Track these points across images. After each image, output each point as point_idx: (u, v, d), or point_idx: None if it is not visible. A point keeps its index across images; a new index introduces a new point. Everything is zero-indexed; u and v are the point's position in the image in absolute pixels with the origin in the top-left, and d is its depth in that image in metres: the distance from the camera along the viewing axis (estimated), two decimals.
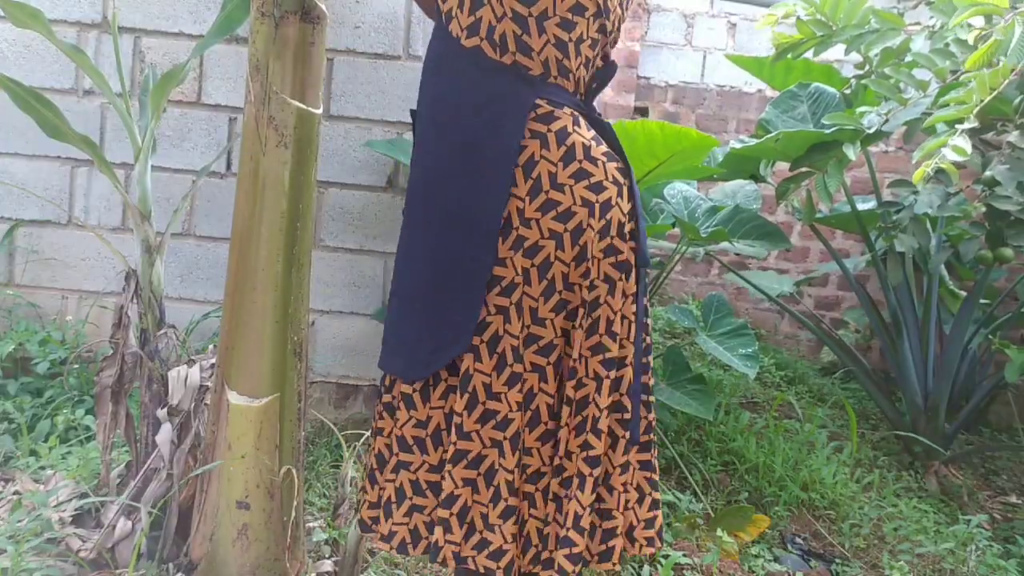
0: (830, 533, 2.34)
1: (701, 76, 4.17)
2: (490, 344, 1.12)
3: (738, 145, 2.50)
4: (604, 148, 1.18)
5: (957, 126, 1.71)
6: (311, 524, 1.85)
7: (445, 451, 1.15)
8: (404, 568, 1.84)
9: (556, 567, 1.13)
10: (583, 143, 1.14)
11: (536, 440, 1.17)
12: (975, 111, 1.71)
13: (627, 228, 1.18)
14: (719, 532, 2.07)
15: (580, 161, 1.13)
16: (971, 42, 1.88)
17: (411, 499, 1.18)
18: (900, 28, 2.13)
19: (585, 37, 1.14)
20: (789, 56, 2.37)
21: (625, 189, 1.19)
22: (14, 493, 1.80)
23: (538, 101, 1.12)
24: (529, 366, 1.14)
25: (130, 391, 1.70)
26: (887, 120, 2.20)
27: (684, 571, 1.94)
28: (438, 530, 1.13)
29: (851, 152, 2.25)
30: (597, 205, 1.14)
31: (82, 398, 2.21)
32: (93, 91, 2.36)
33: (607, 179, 1.15)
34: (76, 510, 1.69)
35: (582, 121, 1.17)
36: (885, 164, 4.09)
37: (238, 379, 1.47)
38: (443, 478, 1.14)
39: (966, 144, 1.64)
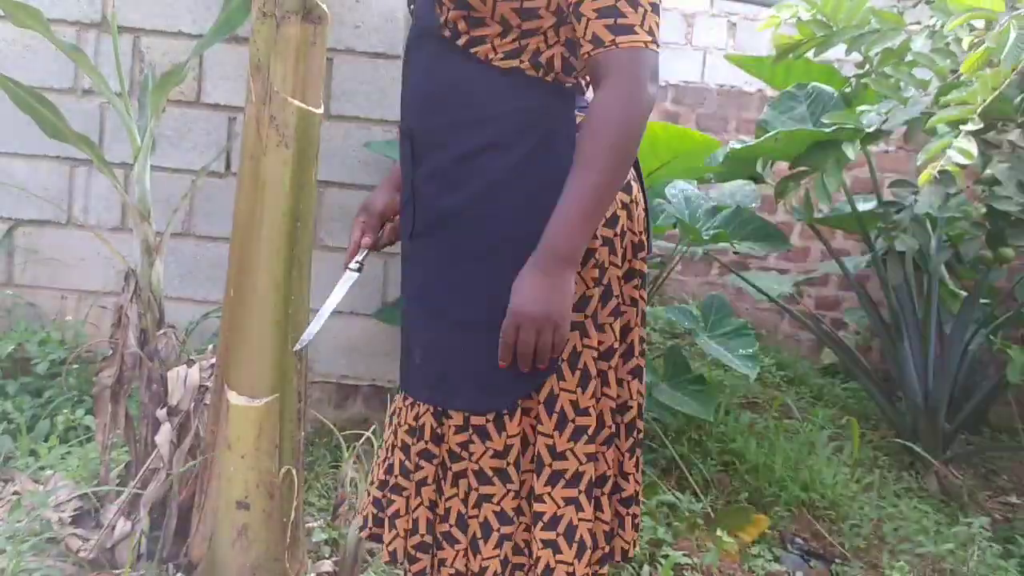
0: (830, 533, 2.33)
1: (701, 76, 4.16)
2: (571, 361, 1.10)
3: (738, 145, 2.50)
4: None
5: (960, 127, 1.70)
6: (311, 524, 1.85)
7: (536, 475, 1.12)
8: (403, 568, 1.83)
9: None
10: None
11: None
12: (978, 111, 1.71)
13: (646, 223, 1.19)
14: (719, 532, 2.06)
15: None
16: (965, 47, 1.88)
17: (498, 530, 1.13)
18: (900, 28, 2.13)
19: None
20: (790, 57, 2.37)
21: (641, 184, 1.19)
22: (14, 493, 1.80)
23: (574, 114, 1.12)
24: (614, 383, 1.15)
25: (130, 391, 1.70)
26: (886, 119, 2.20)
27: (684, 571, 1.94)
28: (546, 552, 1.11)
29: (850, 151, 2.25)
30: (630, 204, 1.15)
31: (82, 398, 2.21)
32: (92, 91, 2.36)
33: (632, 177, 1.15)
34: (76, 510, 1.69)
35: None
36: (885, 164, 4.09)
37: (238, 379, 1.47)
38: (543, 500, 1.12)
39: (971, 147, 1.64)
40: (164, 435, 1.61)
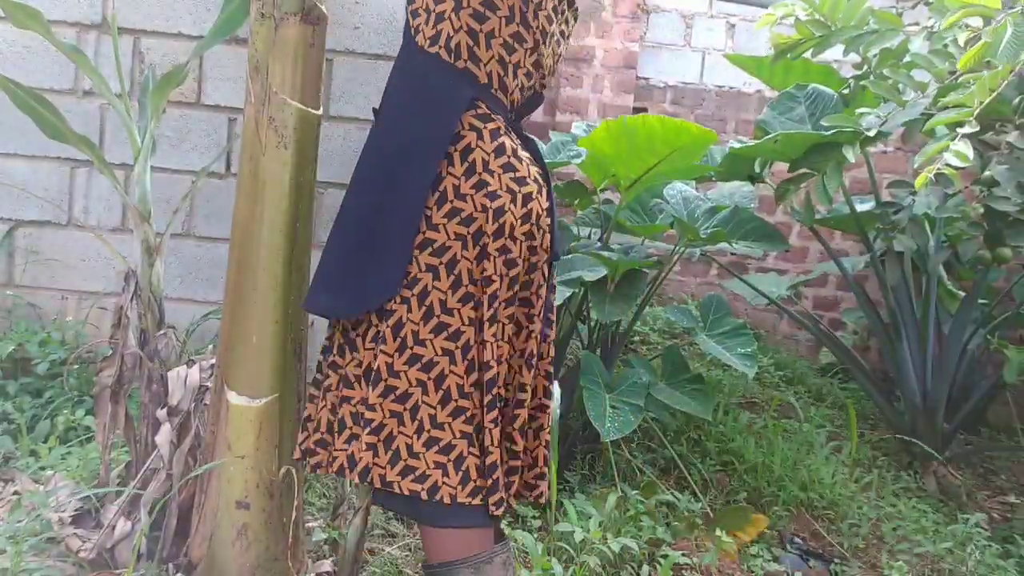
0: (829, 533, 2.34)
1: (700, 76, 4.17)
2: (419, 297, 1.27)
3: (737, 145, 2.51)
4: (528, 154, 1.36)
5: (958, 129, 1.71)
6: (311, 524, 1.85)
7: (374, 387, 1.27)
8: (406, 563, 1.84)
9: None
10: (511, 145, 1.32)
11: (471, 386, 1.29)
12: (975, 114, 1.71)
13: (544, 222, 1.34)
14: (718, 532, 2.07)
15: (508, 157, 1.30)
16: (962, 43, 1.89)
17: (350, 428, 1.31)
18: (899, 29, 2.13)
19: (522, 65, 1.34)
20: (788, 56, 2.38)
21: (544, 189, 1.36)
22: (14, 493, 1.80)
23: (479, 101, 1.30)
24: (466, 320, 1.28)
25: (130, 391, 1.70)
26: (885, 121, 2.20)
27: (683, 571, 1.94)
28: (367, 454, 1.27)
29: (850, 154, 2.25)
30: (520, 195, 1.30)
31: (82, 398, 2.21)
32: (93, 92, 2.36)
33: (529, 176, 1.32)
34: (76, 510, 1.69)
35: (511, 131, 1.35)
36: (884, 165, 4.10)
37: (238, 379, 1.47)
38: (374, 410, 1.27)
39: (968, 149, 1.65)
40: (164, 435, 1.62)
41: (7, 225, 2.39)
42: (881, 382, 3.28)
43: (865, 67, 2.29)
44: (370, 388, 1.27)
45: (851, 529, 2.33)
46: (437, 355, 1.27)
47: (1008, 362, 2.61)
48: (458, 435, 1.27)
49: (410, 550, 1.94)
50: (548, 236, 1.36)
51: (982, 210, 2.50)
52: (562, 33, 1.43)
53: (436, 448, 1.27)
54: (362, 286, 1.30)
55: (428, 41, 1.31)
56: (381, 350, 1.27)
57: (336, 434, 1.33)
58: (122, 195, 1.71)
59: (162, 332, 1.71)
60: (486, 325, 1.27)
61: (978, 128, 1.71)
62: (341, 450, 1.31)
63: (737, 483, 2.49)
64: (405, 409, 1.27)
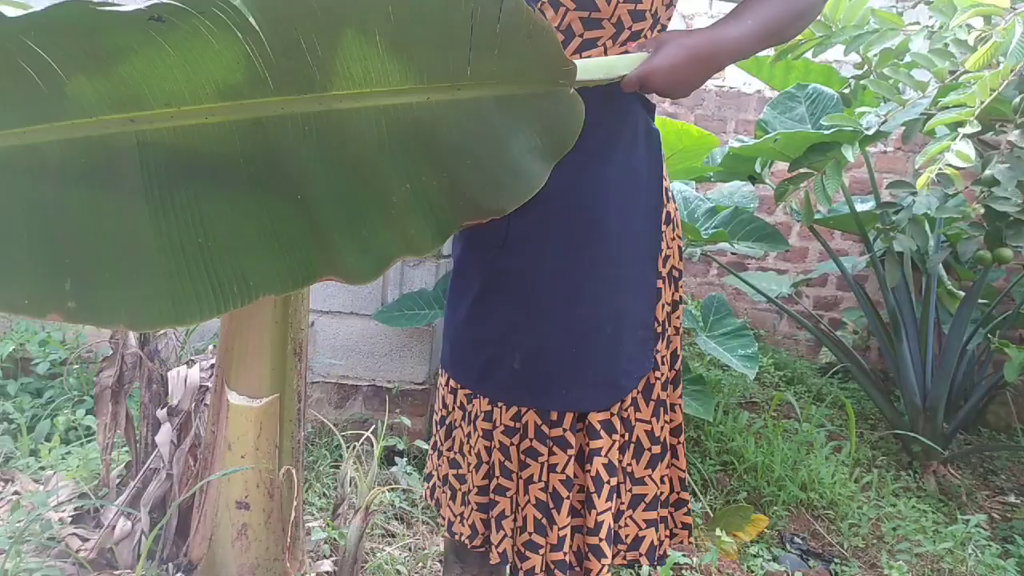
0: (829, 533, 2.34)
1: None
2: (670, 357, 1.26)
3: (737, 145, 2.51)
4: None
5: (959, 129, 1.71)
6: (311, 524, 1.85)
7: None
8: (405, 563, 1.84)
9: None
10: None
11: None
12: (976, 114, 1.71)
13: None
14: (718, 532, 2.07)
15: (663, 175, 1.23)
16: (971, 43, 1.89)
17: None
18: (899, 28, 2.13)
19: None
20: (788, 56, 2.38)
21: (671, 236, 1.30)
22: (14, 493, 1.80)
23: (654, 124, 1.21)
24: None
25: (130, 391, 1.70)
26: (885, 121, 2.20)
27: (683, 571, 1.94)
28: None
29: (850, 153, 2.25)
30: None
31: (82, 398, 2.21)
32: None
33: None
34: (76, 510, 1.69)
35: None
36: (884, 164, 4.10)
37: (238, 379, 1.47)
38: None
39: (969, 149, 1.65)
40: (164, 435, 1.62)
41: None
42: (881, 382, 3.28)
43: (865, 67, 2.29)
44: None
45: (851, 529, 2.33)
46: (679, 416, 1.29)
47: (1009, 361, 2.61)
48: None
49: (409, 550, 1.94)
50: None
51: (982, 210, 2.50)
52: None
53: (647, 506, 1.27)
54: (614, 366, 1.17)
55: None
56: (637, 418, 1.22)
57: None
58: None
59: (162, 332, 1.71)
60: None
61: (979, 128, 1.71)
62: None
63: (737, 483, 2.49)
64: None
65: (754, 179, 2.72)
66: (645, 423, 1.21)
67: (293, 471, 1.51)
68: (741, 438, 2.65)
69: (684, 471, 1.32)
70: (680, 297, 1.27)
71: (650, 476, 1.23)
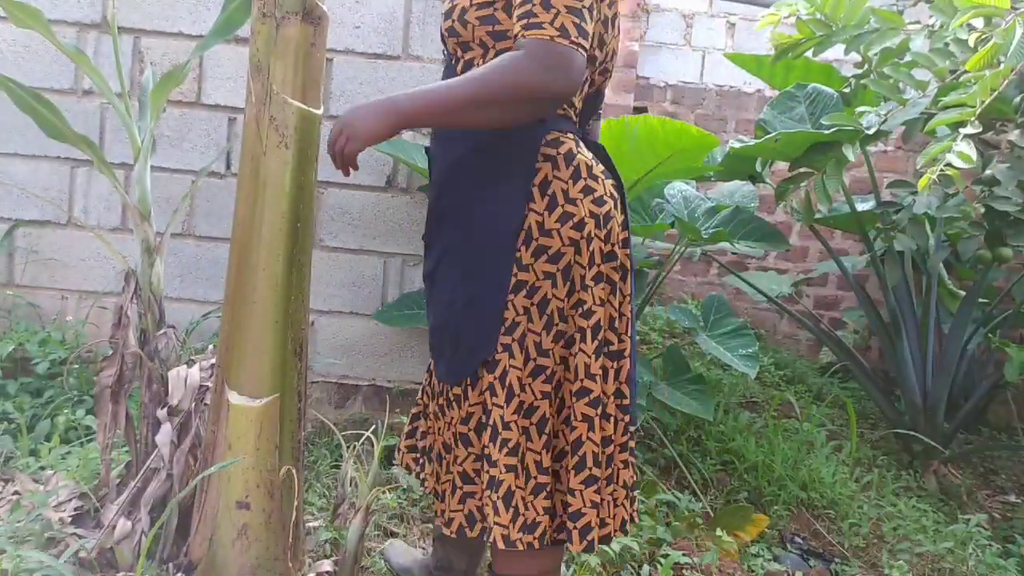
0: (829, 532, 2.34)
1: (700, 76, 4.17)
2: (519, 342, 1.27)
3: (737, 145, 2.50)
4: (602, 167, 1.35)
5: (960, 130, 1.71)
6: (311, 524, 1.85)
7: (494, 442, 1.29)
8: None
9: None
10: (586, 163, 1.31)
11: (562, 423, 1.31)
12: (977, 114, 1.71)
13: (622, 236, 1.35)
14: (718, 531, 2.07)
15: (585, 179, 1.30)
16: (972, 44, 1.89)
17: (461, 488, 1.34)
18: (900, 27, 2.13)
19: (588, 79, 1.34)
20: (789, 56, 2.38)
21: (619, 203, 1.36)
22: (14, 493, 1.80)
23: (548, 126, 1.30)
24: (558, 359, 1.29)
25: (130, 391, 1.70)
26: (886, 120, 2.20)
27: (684, 570, 1.94)
28: (490, 513, 1.28)
29: (850, 153, 2.25)
30: (600, 216, 1.30)
31: (82, 398, 2.21)
32: (92, 91, 2.36)
33: (606, 193, 1.32)
34: (76, 510, 1.69)
35: (582, 144, 1.34)
36: (884, 164, 4.10)
37: (238, 379, 1.47)
38: (492, 465, 1.27)
39: (971, 150, 1.65)
40: (165, 435, 1.61)
41: (7, 225, 2.38)
42: (881, 381, 3.28)
43: (866, 66, 2.29)
44: (492, 444, 1.26)
45: (851, 528, 2.33)
46: (537, 399, 1.28)
47: (1009, 360, 2.61)
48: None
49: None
50: (627, 251, 1.35)
51: (983, 209, 2.50)
52: (615, 15, 1.36)
53: (544, 494, 1.28)
54: (466, 348, 1.30)
55: None
56: (493, 403, 1.27)
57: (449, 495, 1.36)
58: (122, 195, 1.70)
59: (162, 332, 1.71)
60: (593, 358, 1.27)
61: (980, 128, 1.71)
62: (456, 511, 1.34)
63: (737, 483, 2.49)
64: (518, 461, 1.27)
65: (754, 178, 2.72)
66: (500, 407, 1.27)
67: (293, 471, 1.51)
68: (741, 438, 2.65)
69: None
70: (615, 299, 1.33)
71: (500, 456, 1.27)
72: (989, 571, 2.14)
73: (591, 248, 1.28)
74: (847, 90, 2.55)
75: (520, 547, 1.26)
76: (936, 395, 2.85)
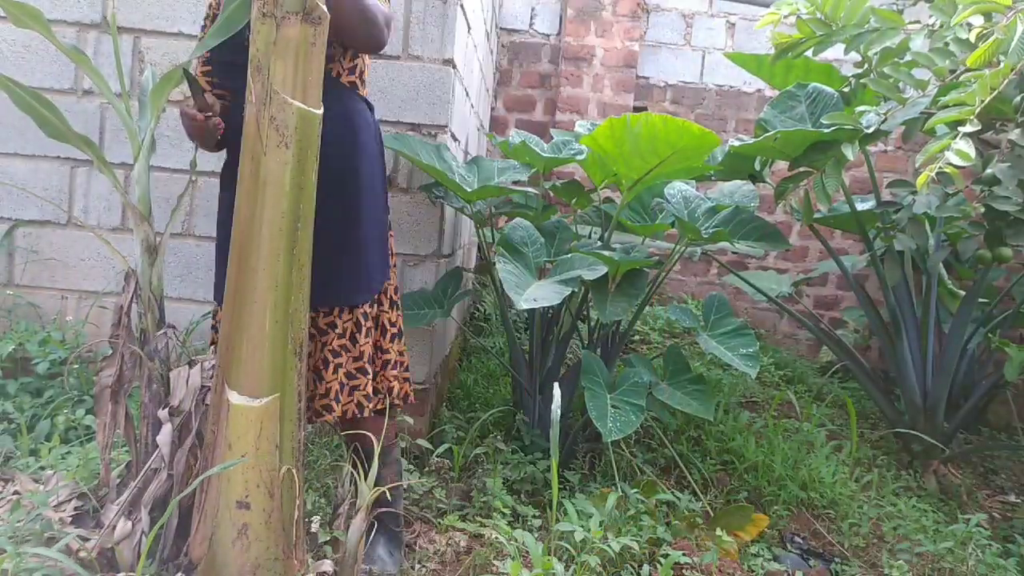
0: (829, 532, 2.34)
1: (700, 76, 4.17)
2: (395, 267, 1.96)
3: (737, 144, 2.50)
4: None
5: (959, 128, 1.71)
6: (311, 524, 1.84)
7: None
8: (404, 561, 1.84)
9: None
10: None
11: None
12: (976, 112, 1.71)
13: None
14: (718, 531, 2.07)
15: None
16: (972, 40, 1.89)
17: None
18: (900, 27, 2.13)
19: None
20: (789, 55, 2.38)
21: None
22: (14, 493, 1.80)
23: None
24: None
25: (130, 391, 1.70)
26: (885, 119, 2.20)
27: (684, 570, 1.94)
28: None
29: (849, 152, 2.25)
30: None
31: (82, 398, 2.21)
32: (93, 91, 2.36)
33: None
34: (76, 510, 1.69)
35: None
36: (884, 163, 4.10)
37: (238, 379, 1.47)
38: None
39: (970, 148, 1.65)
40: (165, 435, 1.61)
41: (7, 225, 2.38)
42: (881, 381, 3.28)
43: (865, 65, 2.29)
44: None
45: (851, 528, 2.33)
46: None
47: (1009, 360, 2.61)
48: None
49: (409, 548, 1.94)
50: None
51: (982, 209, 2.49)
52: None
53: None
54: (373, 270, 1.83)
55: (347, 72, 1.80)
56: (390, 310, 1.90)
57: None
58: (122, 195, 1.70)
59: (162, 332, 1.71)
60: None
61: (980, 127, 1.71)
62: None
63: (737, 482, 2.49)
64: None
65: (754, 178, 2.72)
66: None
67: (293, 471, 1.51)
68: (742, 437, 2.65)
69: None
70: None
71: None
72: (989, 571, 2.14)
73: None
74: (847, 90, 2.55)
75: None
76: (936, 395, 2.85)
